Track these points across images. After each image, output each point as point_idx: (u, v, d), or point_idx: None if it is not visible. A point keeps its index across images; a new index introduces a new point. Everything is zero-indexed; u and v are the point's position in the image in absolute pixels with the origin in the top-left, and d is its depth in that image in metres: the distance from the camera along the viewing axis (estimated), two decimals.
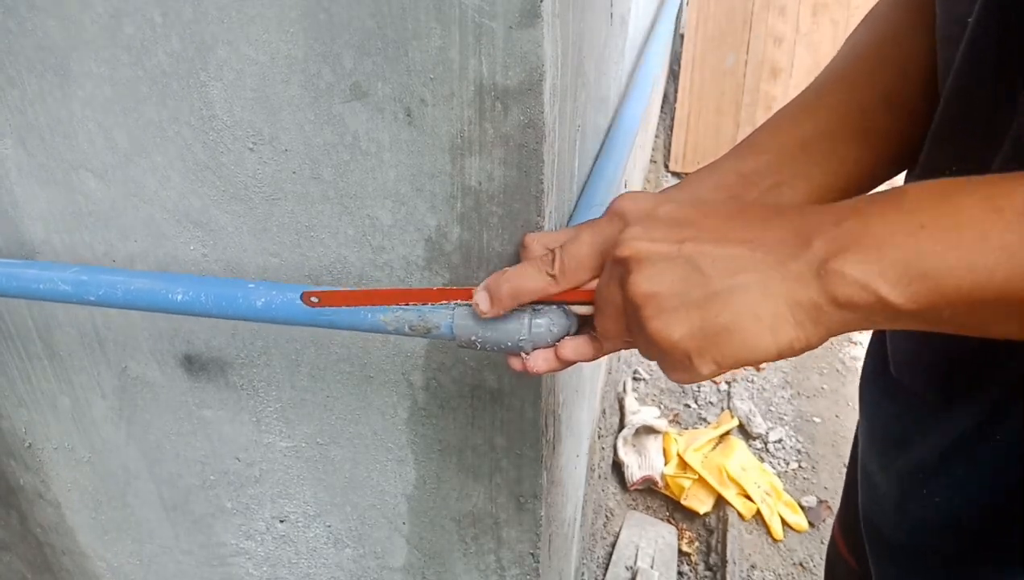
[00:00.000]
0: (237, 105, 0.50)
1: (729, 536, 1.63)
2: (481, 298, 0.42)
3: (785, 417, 2.03)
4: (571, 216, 0.60)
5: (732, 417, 1.97)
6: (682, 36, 3.00)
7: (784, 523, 1.69)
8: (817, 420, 2.02)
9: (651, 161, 2.96)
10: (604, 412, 1.74)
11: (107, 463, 0.76)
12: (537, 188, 0.47)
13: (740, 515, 1.69)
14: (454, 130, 0.47)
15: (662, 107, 3.01)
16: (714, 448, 1.85)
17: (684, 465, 1.77)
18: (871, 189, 0.50)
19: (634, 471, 1.77)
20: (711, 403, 2.07)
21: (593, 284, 0.41)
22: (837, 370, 2.21)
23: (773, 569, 1.61)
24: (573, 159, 0.59)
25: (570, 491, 0.90)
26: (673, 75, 3.07)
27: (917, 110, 0.47)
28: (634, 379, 2.13)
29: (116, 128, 0.54)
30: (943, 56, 0.43)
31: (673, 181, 3.05)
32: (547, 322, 0.43)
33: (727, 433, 1.91)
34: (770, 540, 1.67)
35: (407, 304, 0.46)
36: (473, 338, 0.44)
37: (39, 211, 0.60)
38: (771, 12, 2.85)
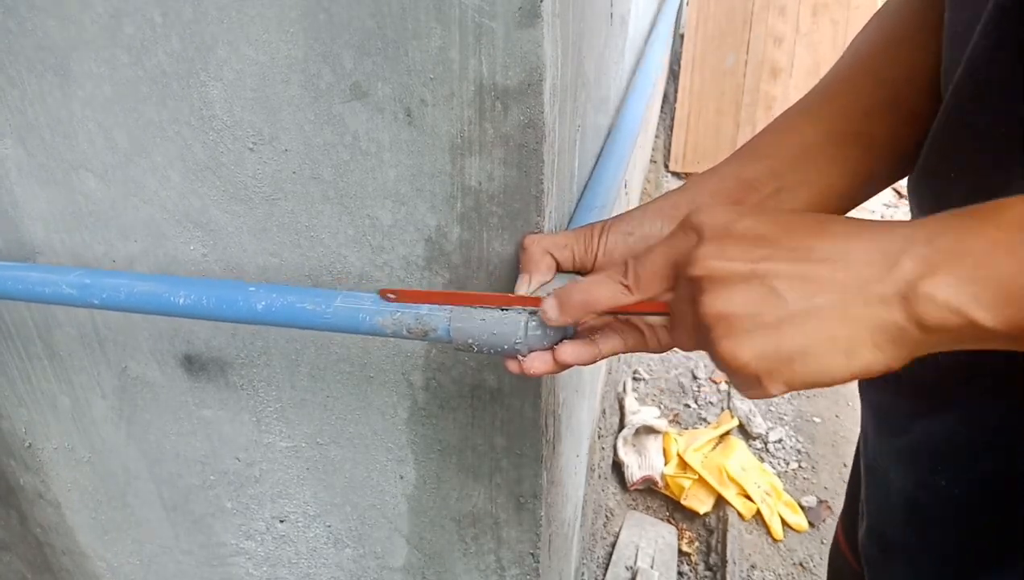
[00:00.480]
0: (237, 105, 0.50)
1: (729, 536, 1.63)
2: (550, 305, 0.41)
3: (785, 417, 2.03)
4: (571, 217, 0.60)
5: (732, 417, 1.97)
6: (682, 36, 3.00)
7: (784, 523, 1.69)
8: (817, 420, 2.02)
9: (651, 161, 2.96)
10: (604, 412, 1.74)
11: (107, 463, 0.76)
12: (537, 188, 0.47)
13: (740, 515, 1.69)
14: (454, 130, 0.47)
15: (662, 107, 3.01)
16: (714, 448, 1.85)
17: (684, 465, 1.77)
18: (874, 193, 0.50)
19: (634, 471, 1.77)
20: (711, 403, 2.07)
21: (666, 296, 0.39)
22: None
23: (773, 569, 1.61)
24: (573, 159, 0.59)
25: (570, 491, 0.90)
26: (673, 75, 3.07)
27: (923, 114, 0.47)
28: (634, 379, 2.13)
29: (116, 128, 0.54)
30: (948, 59, 0.43)
31: (673, 181, 3.05)
32: (543, 326, 0.43)
33: (727, 433, 1.91)
34: (770, 540, 1.67)
35: (470, 311, 0.45)
36: (470, 341, 0.44)
37: (39, 211, 0.60)
38: (771, 12, 2.85)
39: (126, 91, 0.52)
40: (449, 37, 0.44)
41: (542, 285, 0.46)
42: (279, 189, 0.53)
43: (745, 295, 0.33)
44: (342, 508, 0.71)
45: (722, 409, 2.03)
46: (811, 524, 1.70)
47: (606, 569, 1.56)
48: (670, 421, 1.99)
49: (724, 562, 1.59)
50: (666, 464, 1.79)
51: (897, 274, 0.30)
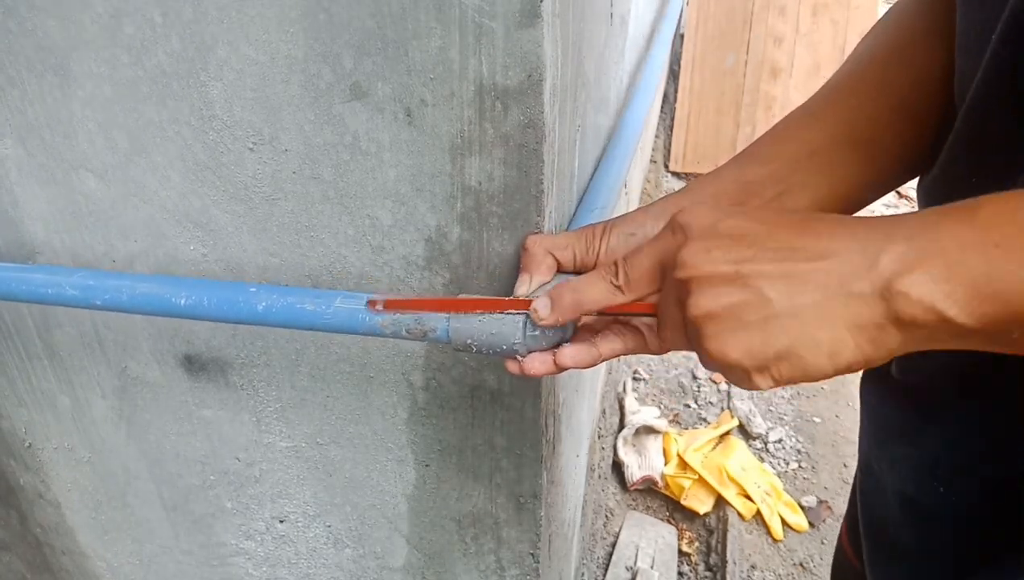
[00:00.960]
0: (237, 105, 0.50)
1: (729, 536, 1.63)
2: (541, 305, 0.42)
3: (785, 417, 2.02)
4: (572, 217, 0.60)
5: (732, 417, 1.97)
6: (682, 36, 3.00)
7: (784, 523, 1.69)
8: (817, 420, 2.02)
9: (651, 161, 2.96)
10: (604, 412, 1.74)
11: (107, 463, 0.76)
12: (537, 188, 0.47)
13: (740, 515, 1.69)
14: (454, 130, 0.47)
15: (662, 107, 3.01)
16: (714, 448, 1.85)
17: (684, 465, 1.77)
18: (875, 199, 0.50)
19: (634, 471, 1.77)
20: (711, 403, 2.07)
21: (653, 297, 0.40)
22: None
23: (773, 569, 1.61)
24: (573, 159, 0.59)
25: (570, 491, 0.90)
26: (673, 75, 3.07)
27: (927, 120, 0.47)
28: (634, 379, 2.13)
29: (116, 128, 0.54)
30: (961, 66, 0.42)
31: (673, 181, 3.05)
32: (542, 326, 0.43)
33: (727, 433, 1.91)
34: (770, 540, 1.67)
35: (467, 313, 0.45)
36: (469, 342, 0.44)
37: (39, 211, 0.60)
38: (771, 12, 2.85)
39: (126, 91, 0.52)
40: (449, 37, 0.44)
41: (542, 285, 0.46)
42: (279, 189, 0.53)
43: (731, 295, 0.34)
44: (342, 508, 0.71)
45: (722, 409, 2.03)
46: (811, 524, 1.70)
47: (606, 569, 1.56)
48: (670, 421, 1.99)
49: (724, 562, 1.58)
50: (666, 464, 1.79)
51: (875, 272, 0.31)
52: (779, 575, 1.60)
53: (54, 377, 0.72)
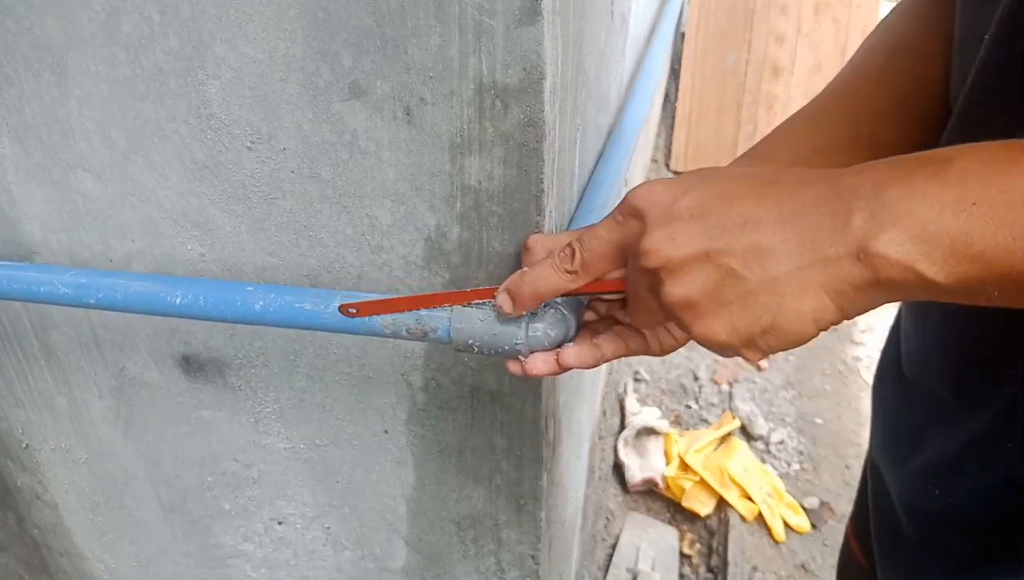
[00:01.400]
0: (235, 104, 0.50)
1: (731, 538, 1.63)
2: (503, 300, 0.42)
3: (787, 418, 2.02)
4: (572, 216, 0.60)
5: (734, 418, 1.97)
6: (683, 35, 2.99)
7: (786, 525, 1.68)
8: (819, 421, 2.01)
9: (652, 160, 2.96)
10: (605, 413, 1.73)
11: (104, 464, 0.76)
12: (537, 187, 0.47)
13: (742, 517, 1.68)
14: (454, 129, 0.46)
15: (663, 106, 3.00)
16: (715, 449, 1.85)
17: (685, 466, 1.77)
18: None
19: (635, 472, 1.77)
20: (712, 404, 2.06)
21: (616, 273, 0.40)
22: (839, 371, 2.20)
23: (775, 571, 1.60)
24: (573, 158, 0.58)
25: (570, 493, 0.90)
26: (674, 74, 3.07)
27: (929, 119, 0.47)
28: (635, 380, 2.13)
29: (113, 127, 0.54)
30: (957, 66, 0.42)
31: None
32: (544, 326, 0.43)
33: (729, 434, 1.90)
34: (772, 542, 1.66)
35: (439, 307, 0.45)
36: (470, 342, 0.44)
37: (36, 210, 0.60)
38: (772, 10, 2.85)
39: (124, 89, 0.52)
40: (448, 35, 0.43)
41: None
42: (277, 188, 0.52)
43: (704, 279, 0.33)
44: (341, 510, 0.71)
45: (723, 410, 2.03)
46: (813, 526, 1.70)
47: (606, 571, 1.56)
48: (671, 422, 1.98)
49: (725, 564, 1.58)
50: (667, 465, 1.79)
51: (849, 234, 0.30)
52: (781, 577, 1.60)
53: (51, 378, 0.71)
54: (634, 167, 1.78)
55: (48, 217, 0.60)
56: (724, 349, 0.34)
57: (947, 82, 0.45)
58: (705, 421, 2.01)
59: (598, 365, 0.44)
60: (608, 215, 0.39)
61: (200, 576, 0.83)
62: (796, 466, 1.87)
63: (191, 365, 0.65)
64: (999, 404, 0.41)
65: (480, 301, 0.44)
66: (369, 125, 0.48)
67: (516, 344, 0.43)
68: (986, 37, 0.37)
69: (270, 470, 0.70)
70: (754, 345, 0.34)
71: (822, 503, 1.75)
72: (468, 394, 0.59)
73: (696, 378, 2.15)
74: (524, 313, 0.42)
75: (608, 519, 1.71)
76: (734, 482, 1.72)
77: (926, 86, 0.47)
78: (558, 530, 0.79)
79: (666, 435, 1.85)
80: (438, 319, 0.45)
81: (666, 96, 3.03)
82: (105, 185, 0.57)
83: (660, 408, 2.04)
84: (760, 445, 1.92)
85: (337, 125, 0.48)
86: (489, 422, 0.59)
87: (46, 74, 0.53)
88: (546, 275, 0.40)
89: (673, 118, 3.04)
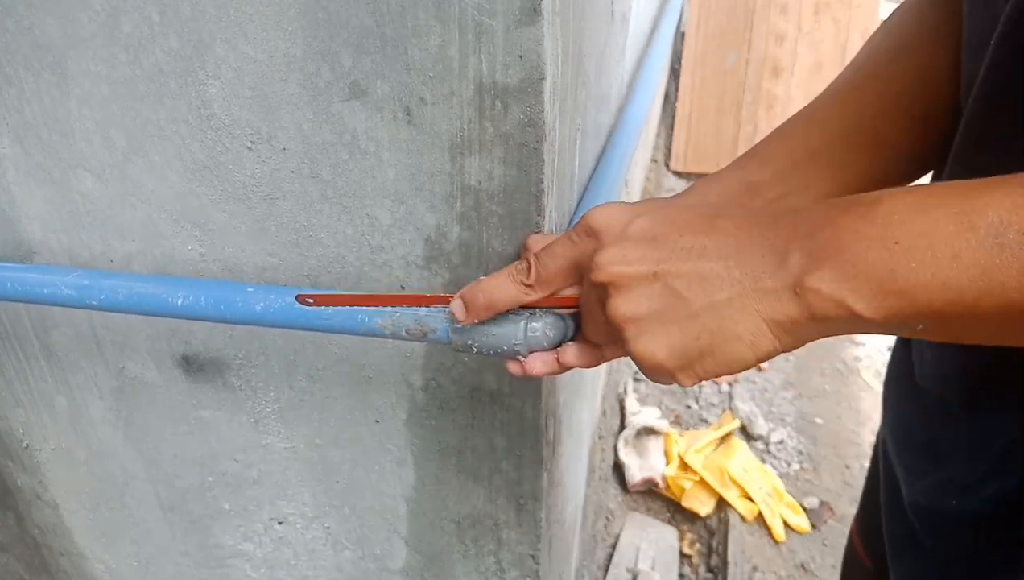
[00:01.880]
0: (235, 104, 0.50)
1: (730, 538, 1.63)
2: (456, 307, 0.43)
3: (787, 418, 2.02)
4: (572, 216, 0.60)
5: (733, 418, 1.97)
6: (683, 34, 2.99)
7: (786, 525, 1.68)
8: (819, 421, 2.01)
9: (652, 160, 2.96)
10: (605, 413, 1.73)
11: (105, 464, 0.76)
12: (537, 187, 0.47)
13: (741, 517, 1.68)
14: (454, 129, 0.46)
15: (663, 106, 3.00)
16: (715, 449, 1.85)
17: (685, 466, 1.77)
18: None
19: (635, 472, 1.77)
20: (712, 404, 2.06)
21: (570, 290, 0.41)
22: (839, 371, 2.20)
23: (775, 571, 1.60)
24: (574, 158, 0.58)
25: (570, 493, 0.90)
26: (674, 74, 3.06)
27: (931, 121, 0.47)
28: (635, 380, 2.13)
29: (114, 127, 0.54)
30: (966, 67, 0.42)
31: (674, 180, 3.04)
32: (543, 326, 0.43)
33: (728, 434, 1.90)
34: (772, 542, 1.66)
35: (396, 308, 0.46)
36: (469, 343, 0.44)
37: (36, 210, 0.60)
38: (772, 10, 2.85)
39: (124, 90, 0.52)
40: (448, 35, 0.43)
41: None
42: (277, 188, 0.52)
43: (649, 297, 0.35)
44: (341, 510, 0.71)
45: (723, 410, 2.03)
46: (813, 526, 1.70)
47: (606, 571, 1.56)
48: (671, 422, 1.98)
49: (725, 564, 1.58)
50: (667, 465, 1.79)
51: (785, 271, 0.32)
52: (780, 577, 1.60)
53: (51, 378, 0.71)
54: (634, 167, 1.78)
55: (48, 217, 0.60)
56: (659, 370, 0.35)
57: (949, 81, 0.45)
58: (705, 421, 2.01)
59: (598, 365, 0.44)
60: (564, 233, 0.40)
61: (200, 576, 0.83)
62: (796, 466, 1.87)
63: (191, 365, 0.65)
64: (1015, 409, 0.41)
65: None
66: (369, 125, 0.48)
67: (515, 345, 0.43)
68: (993, 38, 0.37)
69: (270, 470, 0.70)
70: (690, 368, 0.35)
71: (822, 503, 1.75)
72: (468, 394, 0.59)
73: None
74: (475, 322, 0.43)
75: (608, 519, 1.71)
76: (734, 482, 1.72)
77: (927, 88, 0.47)
78: (558, 530, 0.79)
79: (666, 435, 1.85)
80: (437, 319, 0.45)
81: (666, 96, 3.03)
82: (105, 185, 0.57)
83: (660, 408, 2.03)
84: (760, 445, 1.92)
85: (337, 125, 0.48)
86: (489, 422, 0.59)
87: (46, 74, 0.53)
88: (502, 285, 0.41)
89: (673, 118, 3.04)
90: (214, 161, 0.53)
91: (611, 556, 1.60)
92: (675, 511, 1.74)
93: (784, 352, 0.34)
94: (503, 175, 0.47)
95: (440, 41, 0.43)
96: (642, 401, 2.05)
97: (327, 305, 0.47)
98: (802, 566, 1.62)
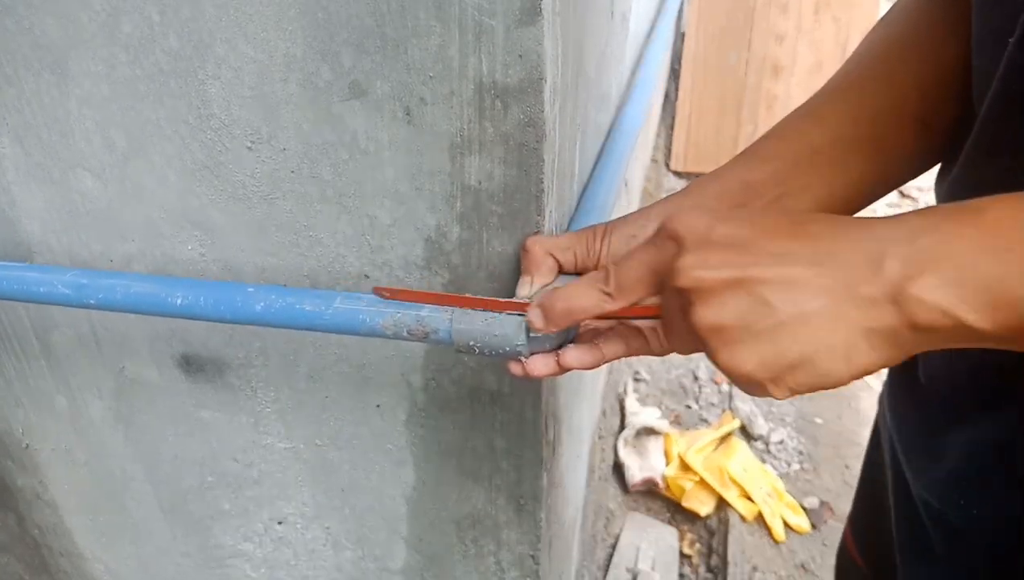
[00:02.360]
0: (235, 104, 0.50)
1: (730, 538, 1.63)
2: (535, 316, 0.41)
3: (787, 418, 2.02)
4: (572, 216, 0.60)
5: (733, 418, 1.96)
6: (683, 34, 2.99)
7: (786, 525, 1.68)
8: (819, 421, 2.01)
9: (652, 160, 2.96)
10: (605, 413, 1.73)
11: (105, 464, 0.76)
12: (537, 187, 0.47)
13: (741, 517, 1.68)
14: (454, 129, 0.46)
15: (663, 106, 3.00)
16: (715, 449, 1.85)
17: (685, 466, 1.77)
18: (880, 197, 0.49)
19: (635, 472, 1.77)
20: (712, 404, 2.06)
21: (651, 299, 0.39)
22: None
23: (775, 571, 1.60)
24: (574, 158, 0.58)
25: (570, 493, 0.90)
26: (674, 73, 3.06)
27: (932, 117, 0.46)
28: (635, 380, 2.13)
29: (113, 127, 0.53)
30: (979, 66, 0.41)
31: (674, 180, 3.04)
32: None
33: (728, 434, 1.90)
34: (772, 542, 1.66)
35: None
36: (471, 343, 0.44)
37: (36, 210, 0.60)
38: (773, 9, 2.85)
39: (124, 90, 0.52)
40: (449, 35, 0.43)
41: (544, 286, 0.45)
42: (277, 188, 0.52)
43: (735, 305, 0.33)
44: (341, 510, 0.70)
45: (723, 410, 2.03)
46: (813, 526, 1.70)
47: (606, 571, 1.56)
48: (671, 422, 1.98)
49: (725, 564, 1.58)
50: (667, 465, 1.78)
51: (883, 276, 0.30)
52: (781, 577, 1.59)
53: (51, 378, 0.71)
54: (634, 167, 1.78)
55: (48, 217, 0.60)
56: (750, 382, 0.33)
57: (951, 77, 0.44)
58: (705, 421, 2.01)
59: (599, 366, 0.44)
60: (645, 240, 0.38)
61: (200, 576, 0.83)
62: (796, 466, 1.87)
63: (191, 365, 0.65)
64: (1018, 412, 0.40)
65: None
66: (369, 125, 0.48)
67: (516, 346, 0.43)
68: (1010, 40, 0.36)
69: (270, 470, 0.70)
70: (781, 380, 0.33)
71: (822, 503, 1.75)
72: (468, 394, 0.59)
73: (696, 378, 2.15)
74: (554, 331, 0.41)
75: (608, 519, 1.71)
76: (734, 482, 1.72)
77: (925, 85, 0.46)
78: (558, 530, 0.79)
79: (666, 435, 1.85)
80: (439, 320, 0.45)
81: (666, 96, 3.03)
82: (105, 185, 0.57)
83: (660, 408, 2.03)
84: (760, 445, 1.92)
85: (337, 125, 0.48)
86: (489, 422, 0.59)
87: (46, 74, 0.53)
88: (582, 293, 0.39)
89: (673, 118, 3.04)
90: (214, 161, 0.53)
91: (611, 556, 1.60)
92: (675, 511, 1.74)
93: (884, 367, 0.32)
94: (503, 175, 0.47)
95: (440, 41, 0.43)
96: (642, 401, 2.05)
97: (403, 299, 0.46)
98: (802, 566, 1.62)
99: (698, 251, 0.34)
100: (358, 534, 0.72)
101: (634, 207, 2.22)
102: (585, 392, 1.03)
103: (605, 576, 1.55)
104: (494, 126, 0.45)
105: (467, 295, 0.45)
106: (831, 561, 1.62)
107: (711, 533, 1.70)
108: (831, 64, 2.83)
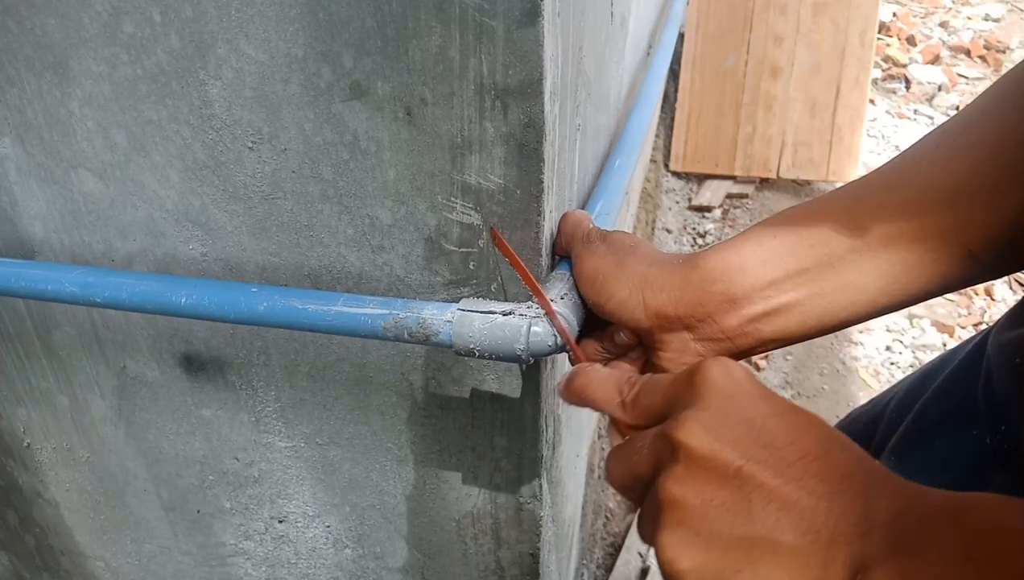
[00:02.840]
0: (236, 104, 0.50)
1: None
2: (560, 384, 0.42)
3: None
4: None
5: None
6: (682, 35, 2.99)
7: None
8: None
9: (651, 161, 2.96)
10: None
11: (106, 463, 0.76)
12: (537, 187, 0.47)
13: None
14: (454, 129, 0.47)
15: (662, 107, 3.01)
16: None
17: None
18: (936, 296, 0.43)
19: None
20: None
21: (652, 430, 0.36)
22: (838, 371, 2.20)
23: None
24: (573, 159, 0.58)
25: (570, 492, 0.90)
26: (673, 74, 3.07)
27: (980, 252, 0.39)
28: None
29: (115, 127, 0.54)
30: None
31: (674, 181, 3.05)
32: (544, 330, 0.43)
33: None
34: None
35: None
36: (472, 346, 0.44)
37: (38, 210, 0.60)
38: (771, 11, 2.85)
39: (125, 90, 0.52)
40: (449, 36, 0.43)
41: (562, 296, 0.46)
42: (278, 188, 0.53)
43: (714, 491, 0.29)
44: (341, 508, 0.71)
45: None
46: None
47: (608, 571, 1.56)
48: None
49: None
50: None
51: (854, 552, 0.28)
52: None
53: (53, 377, 0.72)
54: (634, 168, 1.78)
55: (49, 217, 0.60)
56: (672, 575, 0.30)
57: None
58: None
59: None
60: (677, 377, 0.35)
61: (201, 574, 0.83)
62: None
63: (192, 364, 0.65)
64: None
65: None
66: (370, 125, 0.48)
67: (517, 350, 0.43)
68: None
69: (271, 469, 0.70)
70: None
71: None
72: (468, 394, 0.59)
73: None
74: (564, 401, 0.42)
75: (607, 518, 1.71)
76: None
77: (997, 162, 0.38)
78: (558, 529, 0.79)
79: None
80: (440, 323, 0.45)
81: (665, 97, 3.03)
82: (107, 185, 0.57)
83: None
84: None
85: (338, 125, 0.49)
86: (489, 421, 0.60)
87: (48, 74, 0.53)
88: (604, 389, 0.38)
89: (672, 119, 3.04)
90: (215, 161, 0.53)
91: (611, 556, 1.60)
92: None
93: None
94: (503, 175, 0.47)
95: (441, 42, 0.44)
96: None
97: (500, 249, 0.48)
98: None
99: (714, 411, 0.31)
100: (359, 532, 0.72)
101: (634, 207, 2.22)
102: None
103: (607, 576, 1.55)
104: (494, 126, 0.46)
105: (525, 268, 0.46)
106: None
107: None
108: (829, 66, 2.83)
